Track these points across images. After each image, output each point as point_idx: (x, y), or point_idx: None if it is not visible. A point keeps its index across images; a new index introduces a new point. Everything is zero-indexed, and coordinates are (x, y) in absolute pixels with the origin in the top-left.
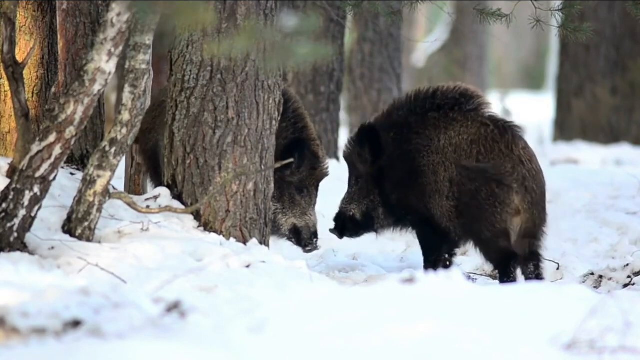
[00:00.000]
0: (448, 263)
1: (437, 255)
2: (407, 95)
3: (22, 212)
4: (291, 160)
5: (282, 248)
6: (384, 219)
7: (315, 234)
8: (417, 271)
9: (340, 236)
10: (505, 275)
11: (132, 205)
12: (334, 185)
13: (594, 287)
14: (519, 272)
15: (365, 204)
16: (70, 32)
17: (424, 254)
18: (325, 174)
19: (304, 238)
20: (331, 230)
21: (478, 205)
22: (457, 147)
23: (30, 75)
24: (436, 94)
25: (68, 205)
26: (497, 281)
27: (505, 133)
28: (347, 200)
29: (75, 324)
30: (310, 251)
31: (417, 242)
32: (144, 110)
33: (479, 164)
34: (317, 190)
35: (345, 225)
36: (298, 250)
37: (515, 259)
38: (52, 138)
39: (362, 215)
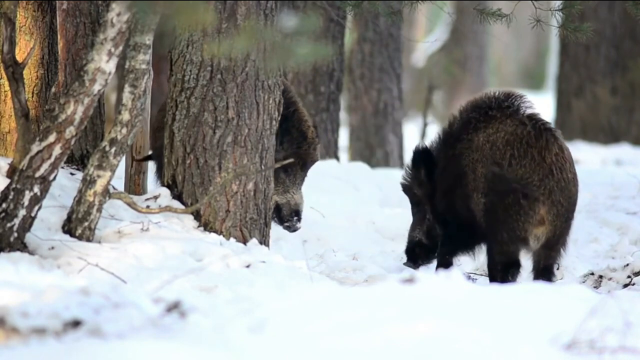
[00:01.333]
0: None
1: (452, 256)
2: (459, 109)
3: (22, 212)
4: (291, 160)
5: (282, 248)
6: (434, 236)
7: (296, 213)
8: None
9: (415, 266)
10: (498, 279)
11: (132, 205)
12: (333, 185)
13: (594, 287)
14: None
15: (426, 226)
16: (70, 32)
17: (446, 253)
18: (313, 157)
19: (284, 215)
20: (405, 264)
21: (503, 208)
22: (493, 144)
23: (30, 75)
24: (480, 99)
25: (68, 205)
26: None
27: (540, 137)
28: (412, 228)
29: (75, 324)
30: (289, 228)
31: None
32: (144, 110)
33: (508, 174)
34: (304, 171)
35: (415, 252)
36: (298, 250)
37: (517, 268)
38: (52, 138)
39: (427, 237)
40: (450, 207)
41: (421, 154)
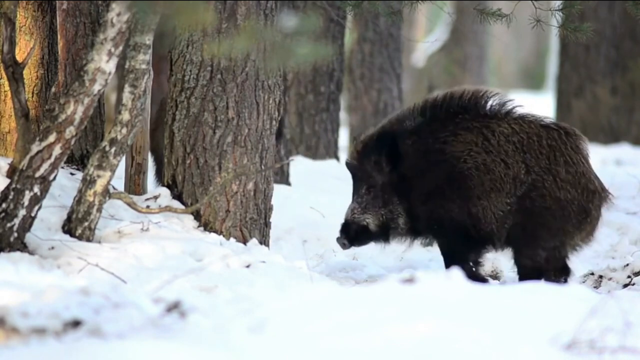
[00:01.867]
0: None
1: (465, 262)
2: (417, 105)
3: (22, 212)
4: (292, 159)
5: (282, 248)
6: (403, 229)
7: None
8: (417, 271)
9: (349, 245)
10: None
11: (132, 205)
12: (333, 185)
13: (594, 287)
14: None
15: (383, 214)
16: (70, 32)
17: (452, 262)
18: None
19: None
20: (338, 240)
21: (557, 215)
22: (522, 144)
23: (30, 75)
24: (452, 98)
25: (68, 205)
26: (497, 281)
27: (572, 142)
28: (360, 210)
29: (75, 324)
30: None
31: (416, 242)
32: (144, 110)
33: (597, 183)
34: None
35: (357, 235)
36: (298, 250)
37: (544, 274)
38: (52, 138)
39: (378, 225)
40: (439, 210)
41: (388, 140)
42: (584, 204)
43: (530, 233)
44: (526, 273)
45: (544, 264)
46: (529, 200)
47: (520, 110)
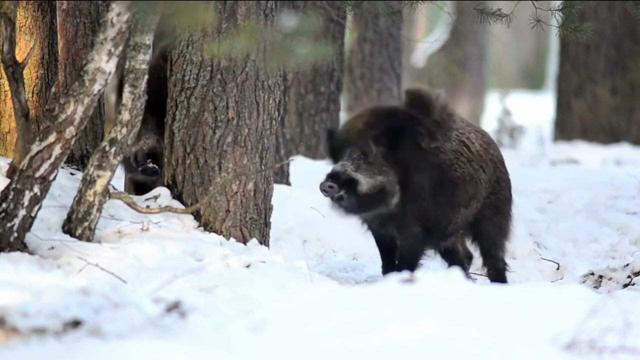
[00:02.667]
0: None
1: (418, 262)
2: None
3: (22, 212)
4: (292, 159)
5: (282, 248)
6: (396, 199)
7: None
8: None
9: (337, 190)
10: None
11: (132, 205)
12: None
13: (594, 287)
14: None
15: (380, 181)
16: (70, 32)
17: (409, 259)
18: None
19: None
20: (322, 185)
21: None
22: (488, 152)
23: (30, 75)
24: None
25: (68, 205)
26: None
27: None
28: (352, 167)
29: (75, 324)
30: (146, 172)
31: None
32: (143, 110)
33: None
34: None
35: (346, 186)
36: (298, 250)
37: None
38: (52, 138)
39: (371, 188)
40: (423, 213)
41: (395, 126)
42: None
43: (499, 226)
44: (502, 269)
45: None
46: (493, 195)
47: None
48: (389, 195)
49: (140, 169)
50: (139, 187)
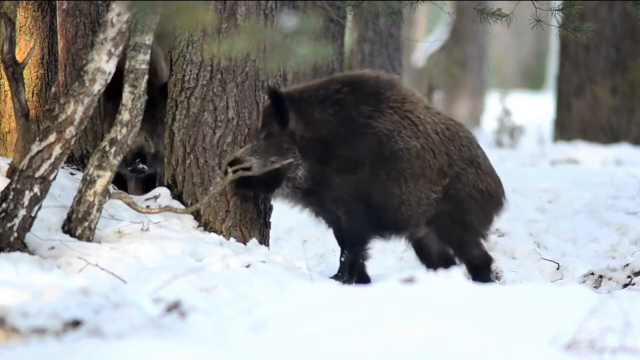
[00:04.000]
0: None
1: (366, 243)
2: (336, 77)
3: (22, 212)
4: (291, 159)
5: (282, 248)
6: (302, 183)
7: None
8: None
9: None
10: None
11: (132, 205)
12: None
13: (594, 287)
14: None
15: (274, 161)
16: (70, 32)
17: (354, 241)
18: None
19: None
20: (217, 174)
21: (481, 205)
22: (444, 134)
23: (30, 75)
24: (370, 77)
25: (68, 205)
26: (497, 281)
27: None
28: (249, 151)
29: (75, 324)
30: (135, 172)
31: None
32: (143, 110)
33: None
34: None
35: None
36: (298, 250)
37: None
38: (52, 138)
39: (264, 172)
40: (354, 186)
41: (281, 101)
42: (498, 194)
43: (461, 221)
44: (479, 265)
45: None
46: (454, 191)
47: (421, 99)
48: (282, 176)
49: (129, 168)
50: (120, 179)
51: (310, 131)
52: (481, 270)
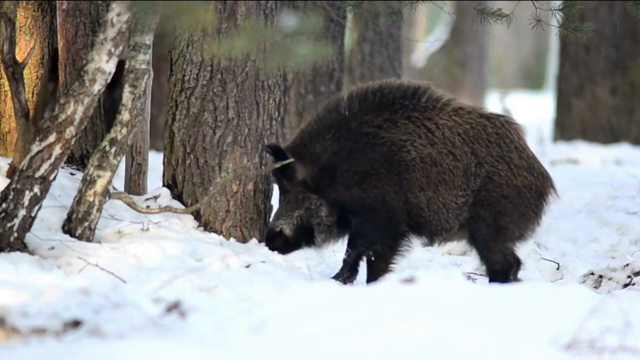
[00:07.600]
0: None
1: (372, 247)
2: (342, 96)
3: (22, 212)
4: (291, 159)
5: None
6: (329, 221)
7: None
8: (417, 271)
9: (278, 252)
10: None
11: (132, 205)
12: None
13: (594, 287)
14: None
15: (298, 216)
16: (70, 32)
17: (362, 244)
18: None
19: None
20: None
21: (516, 202)
22: (468, 135)
23: (30, 75)
24: (388, 87)
25: (68, 205)
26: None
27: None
28: (275, 216)
29: (75, 324)
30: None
31: (416, 242)
32: (143, 110)
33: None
34: None
35: (275, 242)
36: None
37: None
38: (52, 138)
39: (294, 229)
40: (365, 198)
41: (282, 156)
42: (540, 188)
43: (494, 226)
44: (498, 270)
45: (512, 257)
46: (486, 192)
47: (456, 102)
48: (308, 224)
49: None
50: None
51: (317, 166)
52: (497, 276)
